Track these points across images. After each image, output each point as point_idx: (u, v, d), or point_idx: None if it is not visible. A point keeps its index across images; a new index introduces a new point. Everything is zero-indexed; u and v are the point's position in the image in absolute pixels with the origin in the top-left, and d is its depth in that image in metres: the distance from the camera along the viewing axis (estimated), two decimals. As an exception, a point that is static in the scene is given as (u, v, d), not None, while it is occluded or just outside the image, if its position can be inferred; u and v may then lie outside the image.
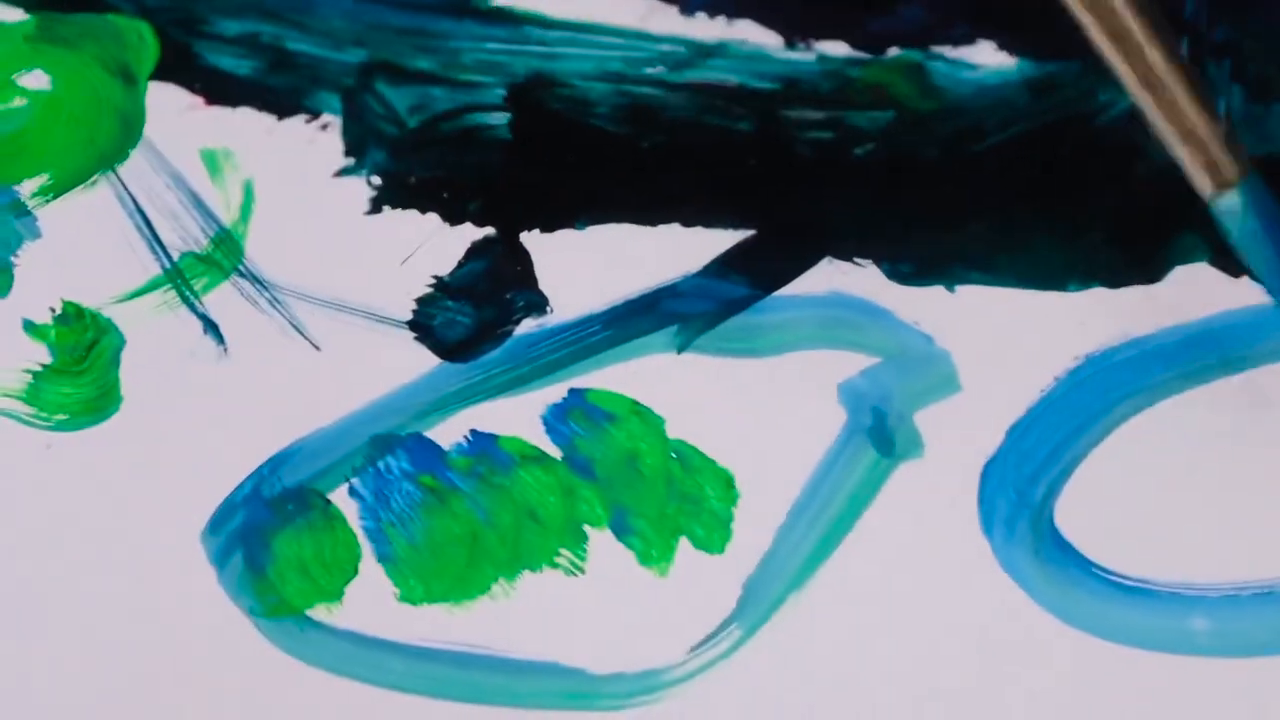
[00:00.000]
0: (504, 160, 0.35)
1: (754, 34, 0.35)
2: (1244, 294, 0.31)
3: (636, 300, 0.34)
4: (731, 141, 0.34)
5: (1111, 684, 0.30)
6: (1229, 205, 0.29)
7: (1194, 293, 0.31)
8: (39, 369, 0.33)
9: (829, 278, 0.33)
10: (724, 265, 0.34)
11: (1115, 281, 0.32)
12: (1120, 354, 0.31)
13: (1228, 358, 0.31)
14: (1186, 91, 0.28)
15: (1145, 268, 0.33)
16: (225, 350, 0.34)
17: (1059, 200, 0.33)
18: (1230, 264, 0.32)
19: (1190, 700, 0.30)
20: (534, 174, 0.35)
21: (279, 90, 0.36)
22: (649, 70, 0.35)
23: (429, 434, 0.33)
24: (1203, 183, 0.29)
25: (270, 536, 0.33)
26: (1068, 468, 0.31)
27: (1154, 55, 0.28)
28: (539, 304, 0.34)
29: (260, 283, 0.35)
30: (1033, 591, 0.31)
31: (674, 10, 0.36)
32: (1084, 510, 0.31)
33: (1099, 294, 0.32)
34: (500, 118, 0.35)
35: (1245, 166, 0.28)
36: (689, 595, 0.32)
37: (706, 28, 0.36)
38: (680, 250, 0.34)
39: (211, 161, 0.35)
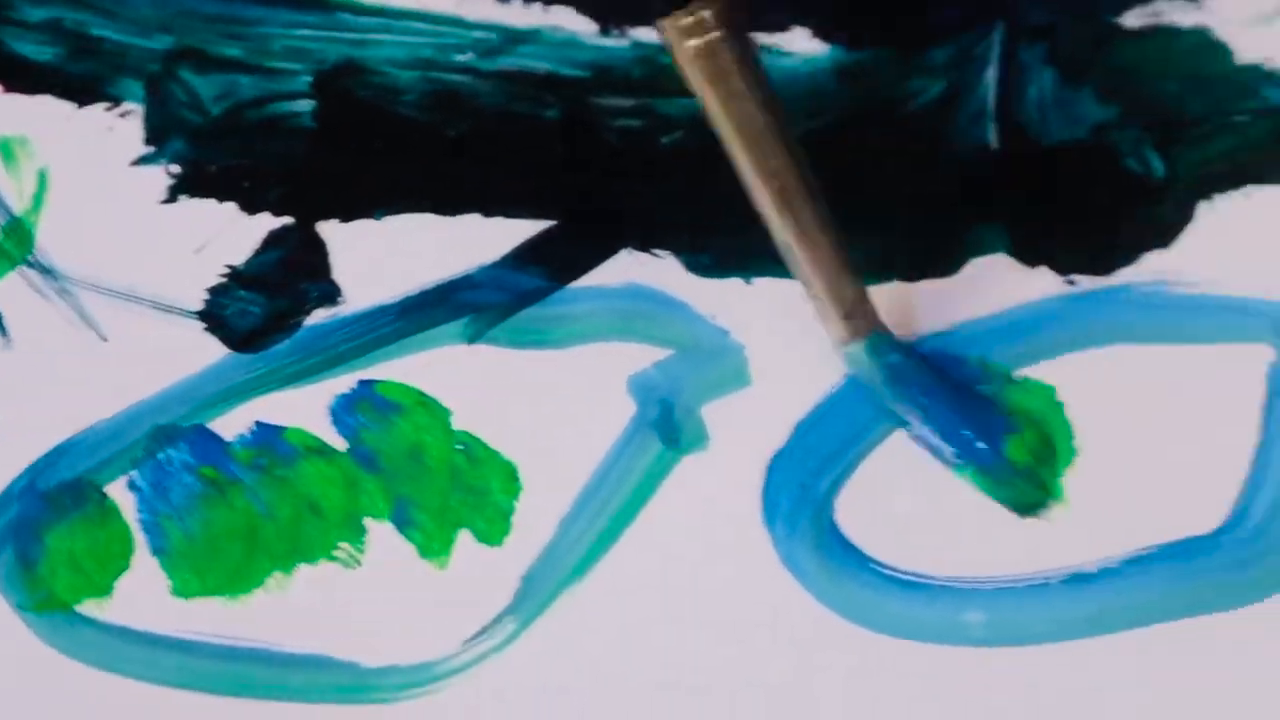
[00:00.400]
0: (307, 149, 0.48)
1: (569, 20, 0.45)
2: (1042, 284, 0.41)
3: (430, 291, 0.45)
4: (538, 130, 0.46)
5: (887, 677, 0.41)
6: (857, 353, 0.39)
7: (990, 286, 0.41)
8: None
9: (627, 269, 0.42)
10: (521, 256, 0.45)
11: (912, 274, 0.41)
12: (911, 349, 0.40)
13: (1020, 351, 0.44)
14: (836, 253, 0.38)
15: (942, 260, 0.41)
16: (8, 340, 0.47)
17: (860, 191, 0.42)
18: (1029, 255, 0.46)
19: (965, 691, 0.38)
20: (336, 163, 0.47)
21: (80, 77, 0.44)
22: (460, 57, 0.48)
23: (213, 425, 0.46)
24: (839, 333, 0.39)
25: (43, 530, 0.45)
26: (852, 463, 0.40)
27: (808, 216, 0.38)
28: (332, 294, 0.47)
29: (49, 272, 0.48)
30: (811, 586, 0.39)
31: None
32: (865, 505, 0.39)
33: (895, 287, 0.41)
34: (305, 105, 0.48)
35: (874, 322, 0.39)
36: (468, 588, 0.44)
37: (522, 14, 0.50)
38: (480, 240, 0.46)
39: (6, 150, 0.48)
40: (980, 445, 0.40)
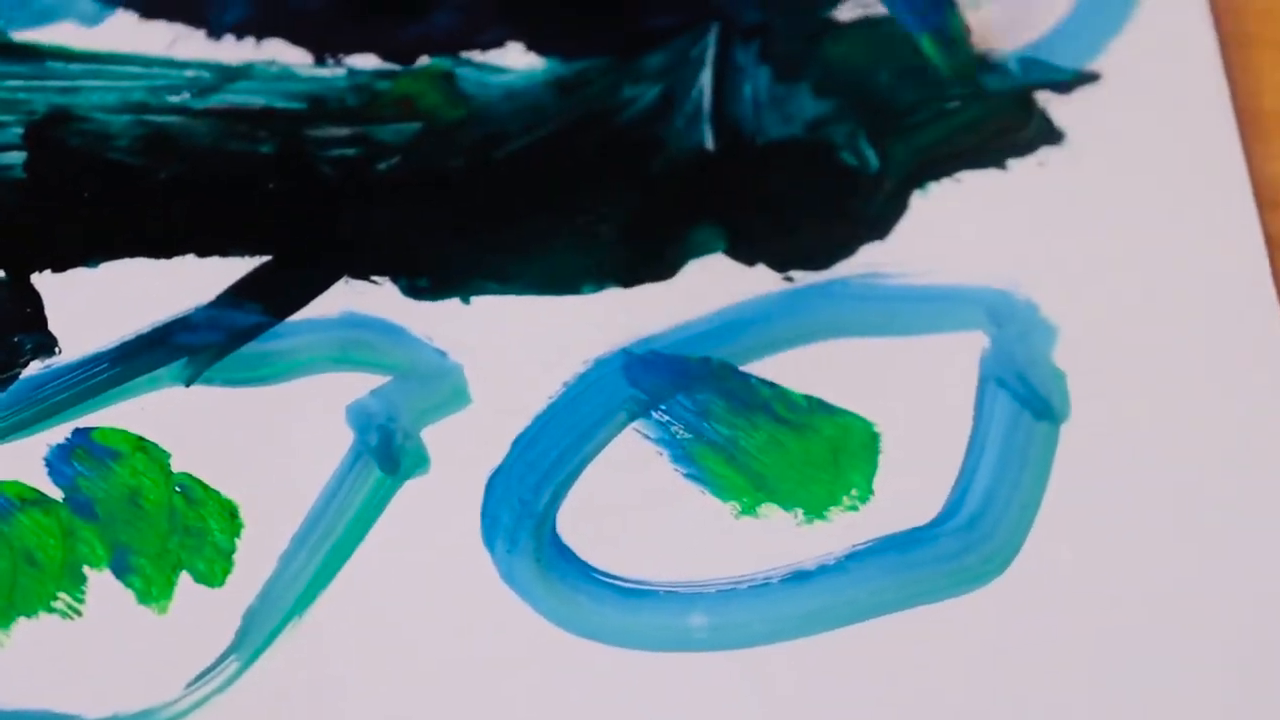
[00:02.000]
0: (18, 200, 0.56)
1: (284, 53, 0.51)
2: (762, 282, 0.47)
3: (146, 335, 0.46)
4: (252, 166, 0.48)
5: (613, 687, 0.42)
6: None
7: (710, 286, 0.47)
8: None
9: (346, 299, 0.47)
10: (236, 294, 0.51)
11: (629, 280, 0.47)
12: (630, 353, 0.46)
13: (740, 349, 0.52)
14: None
15: (659, 265, 0.46)
16: None
17: (577, 202, 0.47)
18: (746, 254, 0.54)
19: (690, 697, 0.43)
20: (48, 213, 0.54)
21: None
22: (173, 98, 0.56)
23: (-74, 485, 0.52)
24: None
25: None
26: (573, 473, 0.45)
27: None
28: (47, 345, 0.53)
29: None
30: (534, 601, 0.43)
31: (201, 34, 0.59)
32: (588, 516, 0.44)
33: (613, 294, 0.47)
34: (16, 157, 0.54)
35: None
36: (190, 631, 0.50)
37: (235, 50, 0.54)
38: (196, 281, 0.47)
39: None
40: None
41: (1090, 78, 0.45)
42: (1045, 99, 0.45)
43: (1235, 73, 0.47)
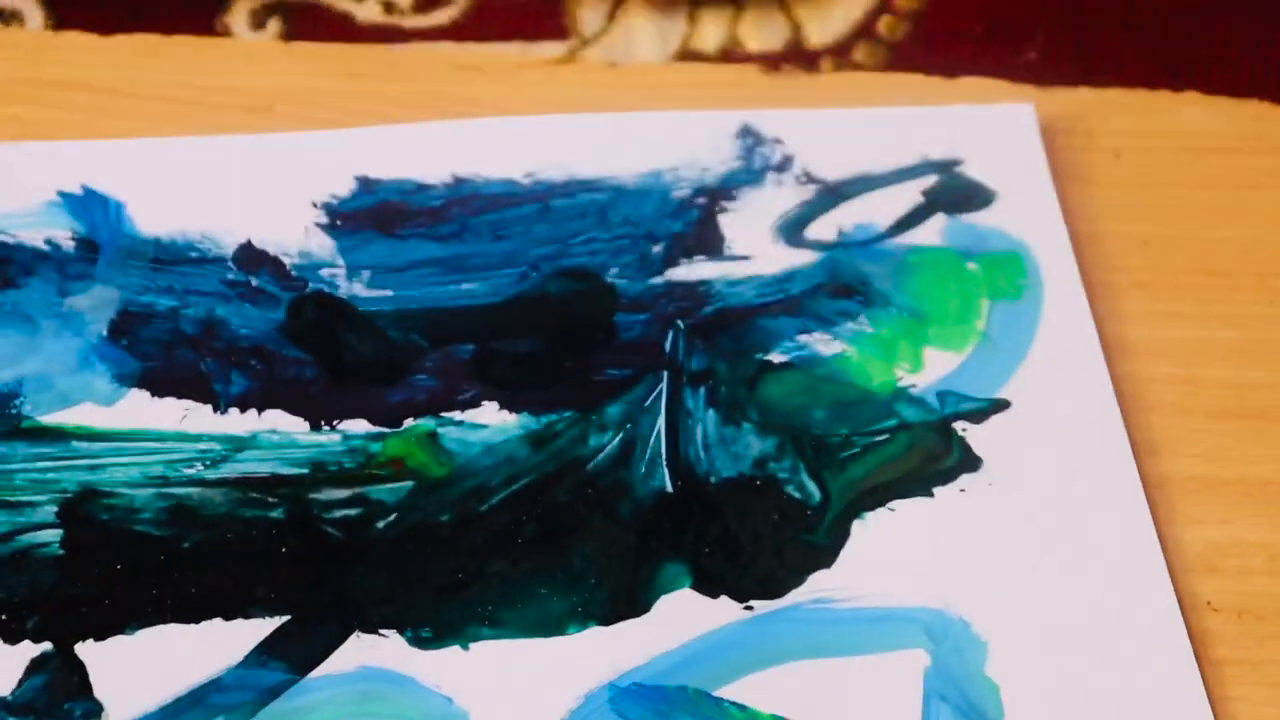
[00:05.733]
0: (56, 576, 0.56)
1: (283, 422, 0.58)
2: (725, 613, 0.53)
3: (184, 697, 0.51)
4: (265, 530, 0.54)
5: None
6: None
7: (680, 619, 0.52)
8: None
9: (358, 652, 0.52)
10: (262, 653, 0.52)
11: (609, 619, 0.52)
12: (616, 687, 0.51)
13: (711, 675, 0.58)
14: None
15: (634, 603, 0.52)
16: None
17: (556, 549, 0.52)
18: (710, 587, 0.60)
19: None
20: (85, 586, 0.53)
21: None
22: (188, 470, 0.61)
23: None
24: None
25: None
26: None
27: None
28: (94, 711, 0.58)
29: None
30: None
31: (208, 409, 0.66)
32: None
33: (595, 632, 0.52)
34: (52, 534, 0.54)
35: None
36: None
37: (240, 422, 0.62)
38: (224, 643, 0.52)
39: None
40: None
41: (1002, 405, 0.52)
42: (962, 428, 0.52)
43: (1121, 384, 0.54)
